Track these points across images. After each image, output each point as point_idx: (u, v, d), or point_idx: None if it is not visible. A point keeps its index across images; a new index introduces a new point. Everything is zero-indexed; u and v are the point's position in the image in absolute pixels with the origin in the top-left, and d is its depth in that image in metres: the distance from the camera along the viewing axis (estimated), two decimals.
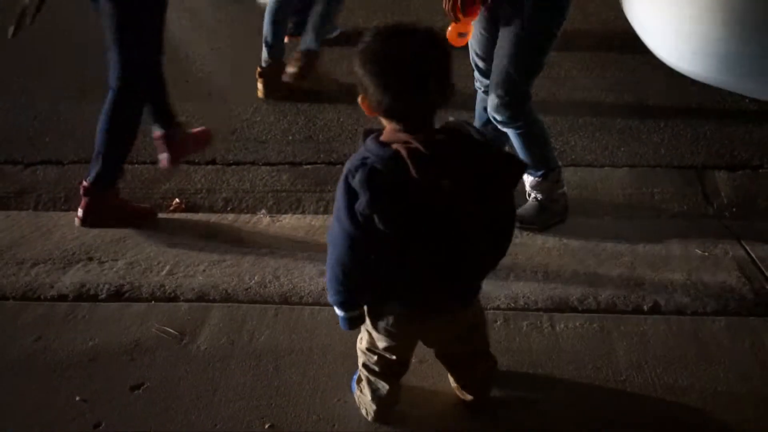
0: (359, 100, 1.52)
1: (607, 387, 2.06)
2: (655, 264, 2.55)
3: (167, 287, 2.48)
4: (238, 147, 3.48)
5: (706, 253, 2.60)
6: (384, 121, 1.53)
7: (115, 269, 2.58)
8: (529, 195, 2.78)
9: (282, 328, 2.28)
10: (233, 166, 3.34)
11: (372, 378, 1.88)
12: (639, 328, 2.25)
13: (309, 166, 3.31)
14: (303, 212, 3.01)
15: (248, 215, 2.95)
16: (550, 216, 2.77)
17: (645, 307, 2.35)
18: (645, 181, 3.11)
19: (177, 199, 3.11)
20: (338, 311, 1.73)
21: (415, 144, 1.43)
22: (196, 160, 3.38)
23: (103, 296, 2.46)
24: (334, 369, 2.12)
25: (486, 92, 2.67)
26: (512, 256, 2.58)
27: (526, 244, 2.67)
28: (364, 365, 1.88)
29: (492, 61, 2.54)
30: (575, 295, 2.41)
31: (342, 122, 3.61)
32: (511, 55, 2.44)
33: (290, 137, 3.53)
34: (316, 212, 2.99)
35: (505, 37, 2.45)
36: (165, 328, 2.29)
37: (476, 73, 2.71)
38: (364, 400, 1.94)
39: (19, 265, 2.61)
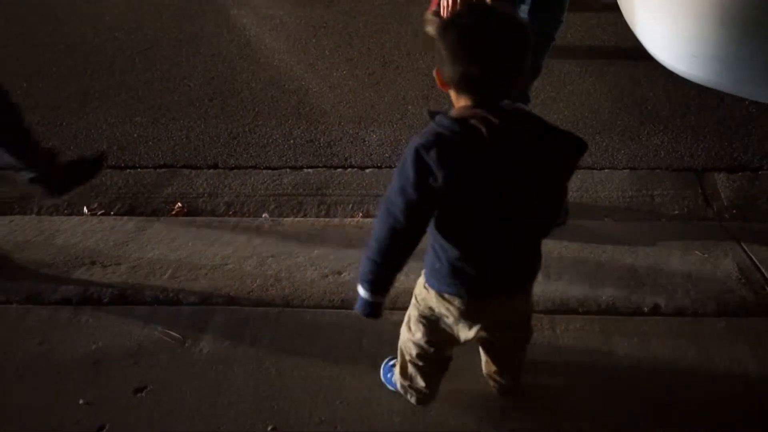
0: (434, 72, 1.52)
1: (608, 388, 2.07)
2: (655, 266, 2.56)
3: (170, 291, 2.50)
4: (239, 151, 3.49)
5: (706, 255, 2.61)
6: (454, 97, 1.52)
7: (118, 273, 2.60)
8: None
9: (284, 331, 2.29)
10: (235, 170, 3.36)
11: (413, 371, 1.88)
12: (639, 330, 2.26)
13: (310, 170, 3.32)
14: (304, 216, 3.02)
15: (250, 219, 2.97)
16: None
17: (645, 309, 2.36)
18: (645, 184, 3.12)
19: (179, 203, 3.12)
20: (363, 293, 1.65)
21: (489, 116, 1.43)
22: (198, 164, 3.40)
23: (107, 300, 2.47)
24: (337, 371, 2.13)
25: None
26: None
27: None
28: (410, 361, 1.86)
29: None
30: (575, 296, 2.42)
31: (343, 126, 3.62)
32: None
33: (291, 141, 3.54)
34: (317, 215, 3.01)
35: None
36: (168, 331, 2.31)
37: None
38: (410, 387, 1.93)
39: (22, 270, 2.62)
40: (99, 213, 3.09)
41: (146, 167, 3.40)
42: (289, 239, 2.77)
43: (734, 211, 2.95)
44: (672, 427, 1.99)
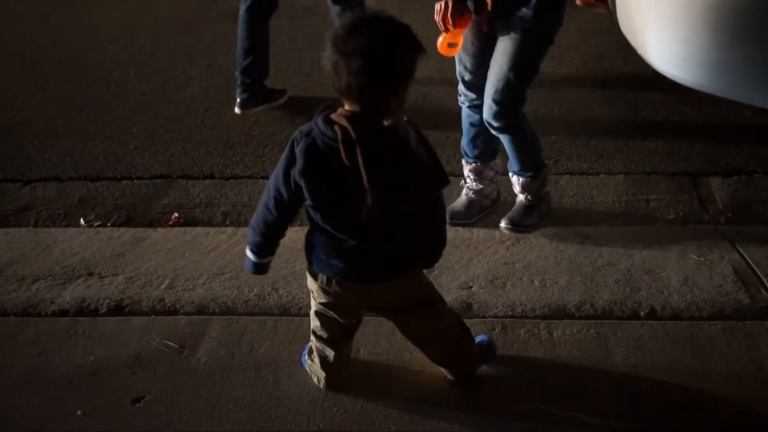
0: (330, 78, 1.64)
1: (604, 393, 2.07)
2: (651, 270, 2.56)
3: (167, 301, 2.50)
4: (235, 161, 3.50)
5: (702, 259, 2.62)
6: (343, 101, 1.65)
7: (115, 284, 2.60)
8: (518, 196, 2.80)
9: (281, 340, 2.29)
10: (231, 180, 3.36)
11: (319, 345, 2.00)
12: (636, 334, 2.27)
13: None
14: (300, 225, 2.98)
15: (247, 228, 2.95)
16: (540, 216, 2.80)
17: (641, 313, 2.37)
18: (640, 188, 3.13)
19: (176, 214, 3.12)
20: (249, 255, 1.94)
21: (351, 131, 1.58)
22: (194, 175, 3.40)
23: (104, 311, 2.47)
24: None
25: (471, 107, 2.71)
26: (509, 265, 2.61)
27: (522, 252, 2.69)
28: (313, 332, 2.01)
29: (478, 74, 2.59)
30: (572, 302, 2.42)
31: None
32: (512, 62, 2.47)
33: None
34: None
35: (504, 45, 2.48)
36: (165, 341, 2.31)
37: (461, 87, 2.75)
38: (314, 368, 2.07)
39: (19, 282, 2.63)
40: (96, 224, 3.10)
41: (142, 178, 3.40)
42: (285, 248, 2.76)
43: (730, 215, 2.96)
44: (670, 430, 1.99)
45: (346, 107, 1.64)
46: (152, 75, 4.32)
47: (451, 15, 2.36)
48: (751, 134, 3.47)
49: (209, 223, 3.08)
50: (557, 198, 3.07)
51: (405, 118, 1.69)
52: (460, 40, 2.48)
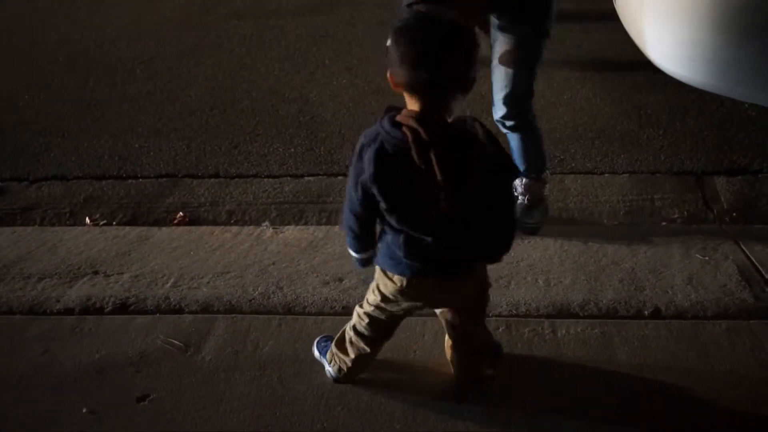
0: (387, 74, 1.62)
1: (608, 392, 2.08)
2: (656, 269, 2.56)
3: (172, 299, 2.51)
4: (240, 160, 3.51)
5: (707, 258, 2.61)
6: (406, 98, 1.63)
7: (120, 282, 2.61)
8: (519, 197, 2.81)
9: (286, 338, 2.30)
10: (236, 179, 3.37)
11: (357, 339, 2.00)
12: (640, 333, 2.27)
13: (311, 178, 3.34)
14: (306, 224, 3.03)
15: (251, 227, 2.98)
16: (541, 215, 2.80)
17: (646, 312, 2.37)
18: (645, 188, 3.13)
19: (181, 213, 3.14)
20: (351, 252, 1.90)
21: (421, 131, 1.55)
22: (199, 174, 3.41)
23: (109, 309, 2.48)
24: None
25: None
26: (513, 264, 2.61)
27: (526, 251, 2.69)
28: (354, 328, 2.01)
29: None
30: (576, 301, 2.42)
31: (343, 134, 3.64)
32: (521, 61, 2.48)
33: (292, 149, 3.56)
34: (318, 223, 3.02)
35: (508, 44, 2.48)
36: (170, 339, 2.31)
37: None
38: (341, 359, 2.07)
39: (25, 280, 2.64)
40: (101, 223, 3.11)
41: (148, 177, 3.42)
42: (290, 247, 2.78)
43: (734, 214, 2.96)
44: (674, 429, 1.99)
45: (410, 107, 1.62)
46: (157, 74, 4.34)
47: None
48: (756, 133, 3.47)
49: (214, 222, 3.09)
50: (562, 197, 3.08)
51: (468, 114, 1.69)
52: None
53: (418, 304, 1.89)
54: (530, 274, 2.57)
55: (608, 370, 2.15)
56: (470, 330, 2.02)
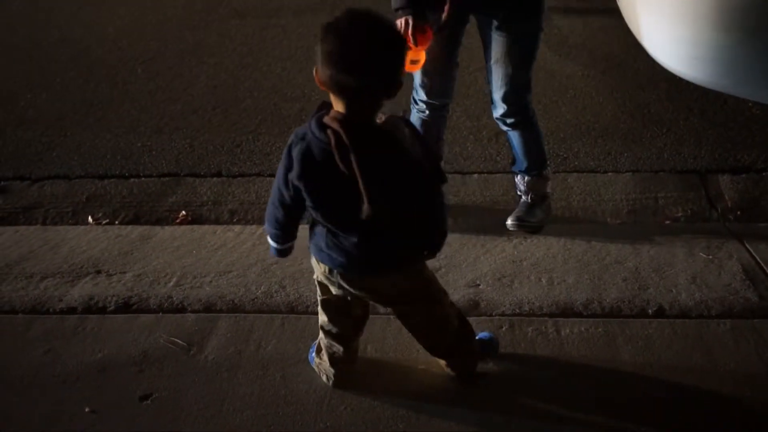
0: (314, 71, 1.61)
1: (612, 391, 2.07)
2: (660, 268, 2.55)
3: (175, 298, 2.50)
4: (242, 159, 3.50)
5: (710, 257, 2.61)
6: (332, 99, 1.62)
7: (123, 282, 2.60)
8: (521, 196, 2.80)
9: (289, 338, 2.30)
10: (238, 178, 3.37)
11: (328, 341, 2.01)
12: (644, 332, 2.26)
13: None
14: (308, 222, 3.02)
15: (254, 226, 2.97)
16: (544, 214, 2.80)
17: (650, 311, 2.36)
18: (648, 186, 3.12)
19: (183, 212, 3.13)
20: (270, 242, 1.94)
21: (343, 134, 1.56)
22: (201, 173, 3.41)
23: (112, 308, 2.48)
24: None
25: (434, 108, 2.67)
26: (517, 263, 2.60)
27: (529, 250, 2.68)
28: (321, 327, 2.02)
29: (444, 76, 2.60)
30: (580, 300, 2.42)
31: None
32: (514, 60, 2.49)
33: None
34: None
35: (504, 43, 2.48)
36: (173, 338, 2.31)
37: (421, 96, 2.66)
38: (323, 366, 2.08)
39: (28, 279, 2.64)
40: (104, 222, 3.11)
41: (150, 176, 3.41)
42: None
43: (738, 213, 2.95)
44: (678, 429, 1.98)
45: (336, 107, 1.61)
46: (159, 73, 4.33)
47: (412, 33, 2.35)
48: (760, 132, 3.46)
49: (216, 221, 3.08)
50: (565, 195, 3.07)
51: (401, 113, 1.69)
52: (423, 57, 2.44)
53: (344, 292, 1.89)
54: (533, 272, 2.56)
55: (612, 369, 2.14)
56: (429, 323, 2.01)
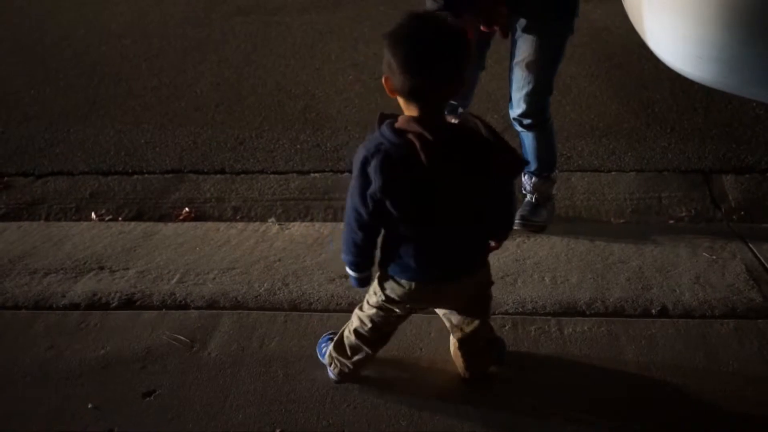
0: (383, 80, 1.60)
1: (616, 390, 2.07)
2: (663, 268, 2.55)
3: (178, 295, 2.50)
4: (246, 156, 3.50)
5: (714, 257, 2.60)
6: (402, 104, 1.61)
7: (126, 278, 2.61)
8: (526, 195, 2.80)
9: (292, 335, 2.30)
10: (242, 175, 3.37)
11: (357, 343, 1.99)
12: (647, 332, 2.26)
13: (317, 175, 3.33)
14: (311, 220, 3.03)
15: (257, 223, 2.97)
16: (548, 213, 2.80)
17: (653, 311, 2.36)
18: (652, 186, 3.12)
19: (186, 209, 3.13)
20: (350, 272, 1.87)
21: (427, 135, 1.54)
22: (205, 170, 3.41)
23: (115, 305, 2.48)
24: None
25: (450, 110, 2.67)
26: (520, 262, 2.60)
27: (533, 249, 2.68)
28: (356, 331, 1.99)
29: (472, 81, 2.60)
30: (583, 299, 2.41)
31: (349, 131, 3.63)
32: (544, 60, 2.48)
33: (298, 146, 3.56)
34: (324, 220, 3.01)
35: (532, 45, 2.46)
36: (176, 335, 2.31)
37: None
38: (342, 361, 2.05)
39: (31, 275, 2.64)
40: (107, 218, 3.11)
41: (153, 173, 3.42)
42: (296, 243, 2.78)
43: (742, 213, 2.95)
44: (681, 429, 1.98)
45: (408, 113, 1.60)
46: (163, 70, 4.33)
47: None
48: (764, 132, 3.45)
49: (220, 218, 3.08)
50: (569, 195, 3.07)
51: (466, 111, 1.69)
52: None
53: (423, 305, 1.89)
54: (537, 272, 2.56)
55: (615, 368, 2.14)
56: (475, 330, 2.02)
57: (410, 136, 1.56)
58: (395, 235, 1.75)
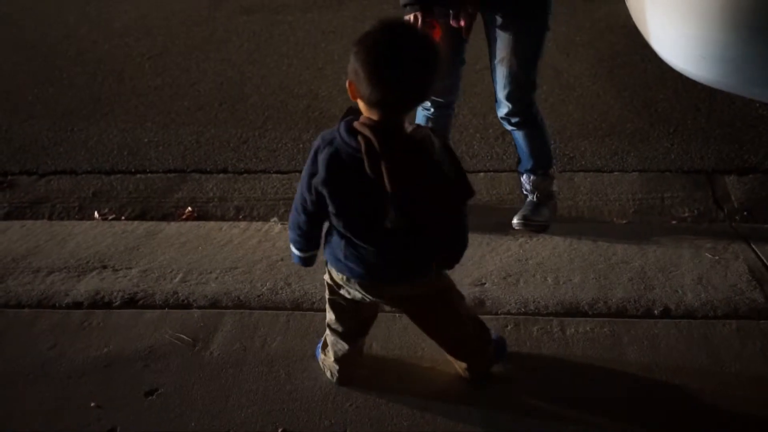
0: (347, 84, 1.59)
1: (618, 391, 2.07)
2: (666, 268, 2.55)
3: (180, 294, 2.51)
4: (249, 155, 3.51)
5: (717, 257, 2.60)
6: (362, 109, 1.61)
7: (128, 277, 2.61)
8: (528, 195, 2.80)
9: (294, 334, 2.30)
10: (245, 175, 3.37)
11: (334, 338, 2.01)
12: (649, 333, 2.25)
13: None
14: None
15: (260, 223, 2.97)
16: (550, 213, 2.80)
17: (655, 312, 2.36)
18: (655, 186, 3.12)
19: (189, 208, 3.14)
20: (293, 249, 1.93)
21: (374, 141, 1.54)
22: (208, 169, 3.42)
23: (118, 304, 2.48)
24: None
25: (439, 106, 2.67)
26: (522, 262, 2.60)
27: (535, 249, 2.68)
28: (328, 325, 2.02)
29: (450, 76, 2.60)
30: (585, 299, 2.41)
31: None
32: (519, 59, 2.48)
33: (301, 145, 3.56)
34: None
35: (507, 42, 2.47)
36: (178, 334, 2.31)
37: None
38: (328, 362, 2.08)
39: (34, 274, 2.64)
40: (110, 217, 3.12)
41: (156, 172, 3.42)
42: None
43: (745, 213, 2.94)
44: (683, 430, 1.98)
45: (367, 114, 1.59)
46: (166, 69, 4.34)
47: (421, 29, 2.35)
48: (767, 132, 3.44)
49: (222, 218, 3.09)
50: (571, 195, 3.07)
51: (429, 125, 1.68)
52: None
53: (361, 298, 1.88)
54: (539, 272, 2.56)
55: (617, 369, 2.14)
56: (446, 326, 2.01)
57: (360, 138, 1.56)
58: (334, 228, 1.78)
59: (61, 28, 4.94)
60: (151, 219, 3.10)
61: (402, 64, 1.51)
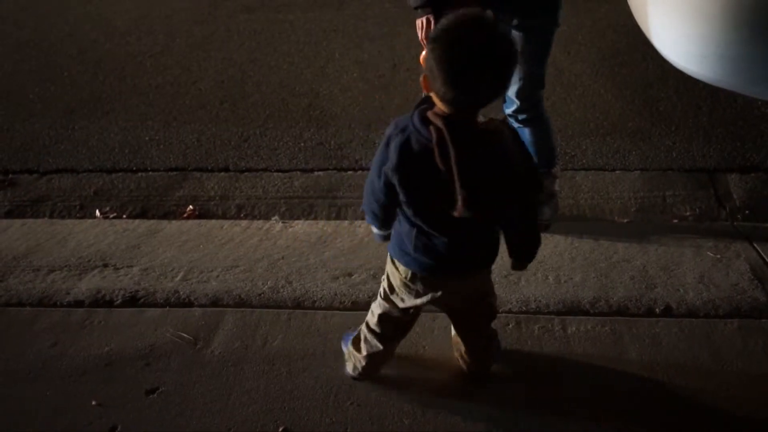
0: (421, 78, 1.57)
1: (619, 389, 2.07)
2: (667, 267, 2.55)
3: (181, 293, 2.51)
4: (250, 154, 3.50)
5: (718, 256, 2.60)
6: (435, 101, 1.58)
7: (130, 275, 2.61)
8: None
9: (295, 333, 2.30)
10: (246, 173, 3.37)
11: (371, 337, 1.99)
12: (651, 331, 2.25)
13: (321, 173, 3.33)
14: (315, 218, 3.03)
15: (261, 221, 2.97)
16: (552, 212, 2.79)
17: (657, 310, 2.35)
18: (657, 185, 3.11)
19: (190, 206, 3.14)
20: (373, 229, 1.89)
21: (447, 135, 1.52)
22: (209, 168, 3.41)
23: (119, 302, 2.49)
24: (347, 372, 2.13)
25: None
26: None
27: None
28: (367, 323, 2.00)
29: None
30: (587, 298, 2.41)
31: (353, 128, 3.63)
32: (532, 55, 2.47)
33: (302, 144, 3.55)
34: (328, 218, 3.01)
35: (521, 40, 2.46)
36: (179, 333, 2.32)
37: None
38: (356, 356, 2.06)
39: (35, 272, 2.64)
40: (111, 216, 3.12)
41: (158, 170, 3.42)
42: (299, 241, 2.78)
43: (747, 212, 2.94)
44: (684, 429, 1.98)
45: (440, 107, 1.56)
46: (167, 67, 4.33)
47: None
48: None
49: (223, 216, 3.08)
50: (573, 194, 3.06)
51: (500, 117, 1.65)
52: None
53: (421, 301, 1.86)
54: (540, 270, 2.55)
55: (618, 367, 2.14)
56: (481, 326, 2.02)
57: (432, 129, 1.54)
58: (403, 217, 1.75)
59: (62, 27, 4.94)
60: (153, 217, 3.10)
61: (478, 67, 1.46)
